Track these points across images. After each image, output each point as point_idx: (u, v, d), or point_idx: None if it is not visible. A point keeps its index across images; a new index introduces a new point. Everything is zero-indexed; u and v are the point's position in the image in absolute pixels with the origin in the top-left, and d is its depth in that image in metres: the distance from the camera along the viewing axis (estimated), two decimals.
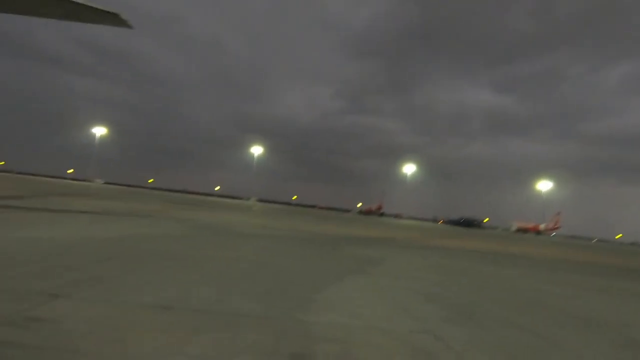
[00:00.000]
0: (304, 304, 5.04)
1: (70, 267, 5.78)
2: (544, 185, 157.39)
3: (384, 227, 42.38)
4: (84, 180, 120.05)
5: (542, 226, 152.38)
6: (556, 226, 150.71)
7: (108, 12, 4.90)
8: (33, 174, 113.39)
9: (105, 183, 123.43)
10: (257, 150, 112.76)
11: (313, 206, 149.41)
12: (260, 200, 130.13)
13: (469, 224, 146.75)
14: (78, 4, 4.74)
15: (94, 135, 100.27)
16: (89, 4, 4.80)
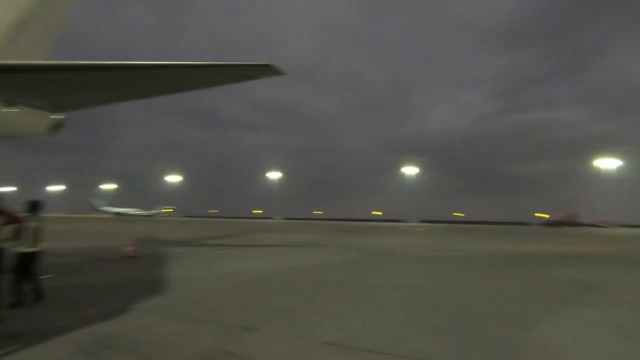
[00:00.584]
0: (513, 350, 3.87)
1: (260, 298, 6.37)
2: None
3: (584, 240, 33.23)
4: (267, 218, 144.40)
5: None
6: None
7: (262, 64, 5.39)
8: (230, 217, 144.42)
9: (284, 219, 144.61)
10: (411, 170, 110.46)
11: (479, 222, 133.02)
12: (423, 221, 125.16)
13: None
14: (239, 65, 5.43)
15: (270, 179, 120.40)
16: (247, 62, 5.43)
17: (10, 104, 5.91)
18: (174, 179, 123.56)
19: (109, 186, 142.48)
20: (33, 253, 5.87)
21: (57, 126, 7.22)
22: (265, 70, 5.78)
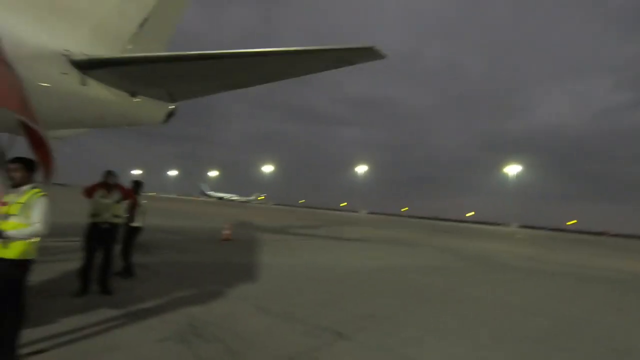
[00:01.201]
0: None
1: (351, 298, 5.95)
2: None
3: None
4: (353, 211, 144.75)
5: None
6: None
7: (364, 47, 4.93)
8: (317, 208, 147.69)
9: (369, 213, 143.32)
10: (514, 169, 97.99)
11: (600, 233, 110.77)
12: (523, 227, 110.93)
13: None
14: (340, 49, 5.06)
15: (358, 173, 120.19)
16: (348, 46, 5.01)
17: (133, 94, 6.54)
18: (267, 168, 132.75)
19: (213, 173, 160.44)
20: (138, 228, 6.49)
21: (170, 115, 7.87)
22: (367, 54, 5.32)
